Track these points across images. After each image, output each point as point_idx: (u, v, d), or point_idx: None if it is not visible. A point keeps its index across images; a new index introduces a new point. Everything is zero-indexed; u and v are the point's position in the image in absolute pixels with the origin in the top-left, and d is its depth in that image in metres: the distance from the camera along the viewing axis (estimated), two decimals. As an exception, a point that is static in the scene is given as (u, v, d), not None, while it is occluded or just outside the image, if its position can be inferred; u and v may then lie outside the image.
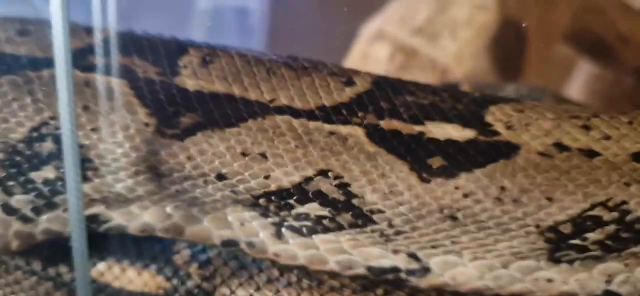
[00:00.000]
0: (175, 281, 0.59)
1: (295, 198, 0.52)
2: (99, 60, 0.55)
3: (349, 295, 0.57)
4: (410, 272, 0.53)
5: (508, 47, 1.19)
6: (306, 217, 0.53)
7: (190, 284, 0.59)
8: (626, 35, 1.35)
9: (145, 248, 0.60)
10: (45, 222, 0.57)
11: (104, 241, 0.60)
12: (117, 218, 0.56)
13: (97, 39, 0.56)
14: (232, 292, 0.58)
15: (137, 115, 0.53)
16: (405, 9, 1.21)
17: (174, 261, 0.60)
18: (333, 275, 0.56)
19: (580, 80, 1.46)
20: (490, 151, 0.51)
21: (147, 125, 0.53)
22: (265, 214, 0.54)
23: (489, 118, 0.52)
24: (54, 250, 0.60)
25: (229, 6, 1.34)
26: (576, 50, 1.43)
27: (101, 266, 0.61)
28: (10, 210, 0.56)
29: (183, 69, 0.55)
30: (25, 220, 0.57)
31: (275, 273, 0.58)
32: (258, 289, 0.58)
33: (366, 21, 1.20)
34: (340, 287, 0.57)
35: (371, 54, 1.20)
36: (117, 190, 0.55)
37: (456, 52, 1.19)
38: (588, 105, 0.62)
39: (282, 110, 0.53)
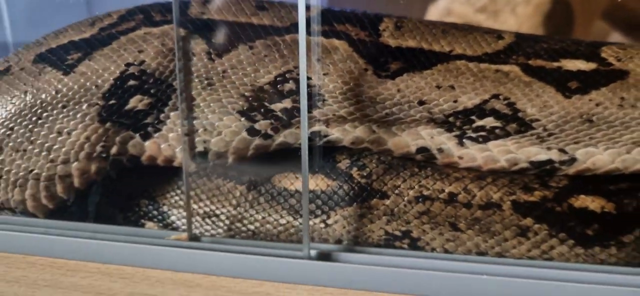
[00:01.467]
0: (339, 181, 0.81)
1: (476, 114, 0.75)
2: (323, 28, 0.78)
3: (467, 182, 0.79)
4: (562, 162, 0.76)
5: (558, 22, 1.35)
6: (482, 128, 0.76)
7: (352, 183, 0.81)
8: None
9: (317, 161, 0.82)
10: (282, 137, 0.79)
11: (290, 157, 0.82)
12: (335, 133, 0.79)
13: (314, 13, 0.79)
14: (385, 184, 0.79)
15: (358, 64, 0.76)
16: None
17: (338, 168, 0.82)
18: (500, 171, 0.78)
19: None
20: (609, 75, 0.73)
21: (366, 70, 0.76)
22: (449, 129, 0.77)
23: (603, 55, 0.75)
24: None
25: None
26: (611, 24, 1.62)
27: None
28: (253, 132, 0.79)
29: (383, 32, 0.78)
30: (265, 137, 0.79)
31: (415, 169, 0.79)
32: (404, 181, 0.80)
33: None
34: (461, 177, 0.79)
35: None
36: (340, 113, 0.77)
37: (515, 26, 1.37)
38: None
39: (459, 57, 0.76)
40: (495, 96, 0.74)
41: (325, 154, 0.80)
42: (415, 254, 0.74)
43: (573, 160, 0.76)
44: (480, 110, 0.75)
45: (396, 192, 0.77)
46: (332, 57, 0.77)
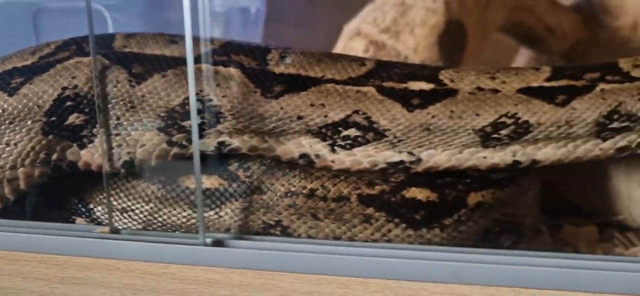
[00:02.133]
0: (229, 181, 0.99)
1: (341, 126, 0.96)
2: (220, 59, 0.98)
3: (324, 180, 0.97)
4: (412, 162, 0.97)
5: (452, 41, 1.50)
6: (348, 137, 0.96)
7: (238, 182, 0.99)
8: (553, 27, 1.70)
9: (214, 165, 1.00)
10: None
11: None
12: (236, 142, 0.98)
13: (216, 46, 0.98)
14: (263, 182, 0.97)
15: (249, 87, 0.96)
16: (376, 12, 1.54)
17: (228, 170, 1.00)
18: (365, 171, 0.99)
19: (522, 61, 1.80)
20: (443, 93, 0.95)
21: (255, 92, 0.96)
22: (323, 139, 0.97)
23: (441, 77, 0.97)
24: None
25: (235, 7, 1.73)
26: (512, 38, 1.83)
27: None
28: (171, 143, 0.99)
29: (270, 61, 0.98)
30: (181, 147, 0.99)
31: (287, 170, 0.97)
32: (277, 179, 0.97)
33: (347, 22, 1.60)
34: (320, 176, 0.97)
35: (351, 47, 1.51)
36: (238, 127, 0.97)
37: (414, 45, 1.52)
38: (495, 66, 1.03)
39: (329, 81, 0.96)
40: (356, 111, 0.95)
41: (221, 159, 1.00)
42: (286, 239, 0.95)
43: (420, 160, 0.97)
44: (345, 123, 0.96)
45: (271, 189, 0.97)
46: (228, 82, 0.96)
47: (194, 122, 0.91)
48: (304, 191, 0.97)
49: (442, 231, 0.96)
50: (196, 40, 1.00)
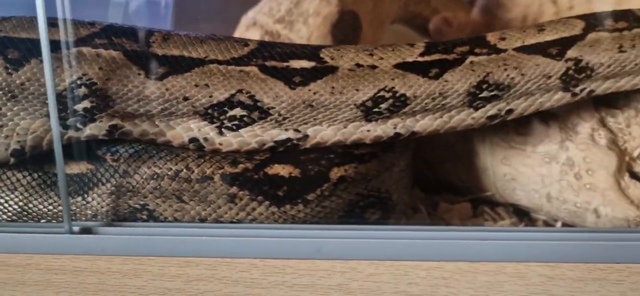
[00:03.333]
0: (97, 164, 0.99)
1: (227, 106, 0.97)
2: (101, 42, 0.97)
3: (189, 161, 0.96)
4: (299, 139, 0.99)
5: (346, 30, 1.53)
6: (234, 117, 0.98)
7: (106, 166, 0.98)
8: (449, 19, 1.79)
9: (84, 150, 1.00)
10: (89, 130, 0.97)
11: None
12: (127, 126, 0.98)
13: (97, 29, 0.98)
14: (129, 165, 0.97)
15: (132, 69, 0.96)
16: (272, 2, 1.53)
17: (97, 154, 0.99)
18: (253, 151, 1.00)
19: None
20: (324, 71, 0.98)
21: (139, 74, 0.96)
22: (211, 121, 0.98)
23: (321, 55, 1.00)
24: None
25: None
26: (408, 27, 1.89)
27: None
28: (65, 126, 0.96)
29: (153, 43, 0.98)
30: (76, 129, 0.97)
31: (153, 151, 0.97)
32: (143, 162, 0.97)
33: (245, 13, 1.61)
34: (185, 157, 0.96)
35: (248, 36, 1.51)
36: (127, 110, 0.96)
37: (307, 35, 1.54)
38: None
39: (212, 61, 0.98)
40: (240, 91, 0.97)
41: (89, 144, 1.00)
42: (153, 224, 0.96)
43: (306, 136, 1.00)
44: (230, 103, 0.97)
45: (138, 172, 0.98)
46: (111, 65, 0.96)
47: (52, 108, 0.89)
48: (168, 173, 0.97)
49: (306, 206, 0.98)
50: (76, 23, 0.99)
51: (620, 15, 1.06)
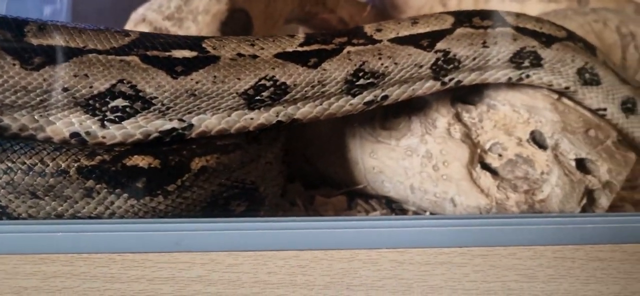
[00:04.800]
0: None
1: (108, 96, 0.97)
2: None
3: (44, 154, 0.93)
4: (184, 128, 1.00)
5: (236, 29, 1.54)
6: (116, 108, 0.97)
7: None
8: (346, 19, 1.82)
9: None
10: None
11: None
12: (6, 120, 0.94)
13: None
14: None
15: (5, 60, 0.93)
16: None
17: None
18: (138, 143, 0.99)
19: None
20: (206, 60, 1.00)
21: (14, 64, 0.94)
22: (93, 114, 0.97)
23: (204, 45, 1.02)
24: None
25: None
26: (310, 30, 1.82)
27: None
28: None
29: (28, 33, 0.96)
30: None
31: (8, 145, 0.93)
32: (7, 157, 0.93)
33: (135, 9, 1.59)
34: (41, 150, 0.93)
35: None
36: (5, 102, 0.93)
37: (196, 32, 1.54)
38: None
39: (91, 51, 0.97)
40: (121, 81, 0.97)
41: None
42: (6, 222, 0.93)
43: (191, 125, 1.01)
44: (111, 93, 0.97)
45: None
46: (-14, 56, 0.93)
47: None
48: (21, 167, 0.93)
49: (166, 198, 0.98)
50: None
51: (486, 15, 1.15)
